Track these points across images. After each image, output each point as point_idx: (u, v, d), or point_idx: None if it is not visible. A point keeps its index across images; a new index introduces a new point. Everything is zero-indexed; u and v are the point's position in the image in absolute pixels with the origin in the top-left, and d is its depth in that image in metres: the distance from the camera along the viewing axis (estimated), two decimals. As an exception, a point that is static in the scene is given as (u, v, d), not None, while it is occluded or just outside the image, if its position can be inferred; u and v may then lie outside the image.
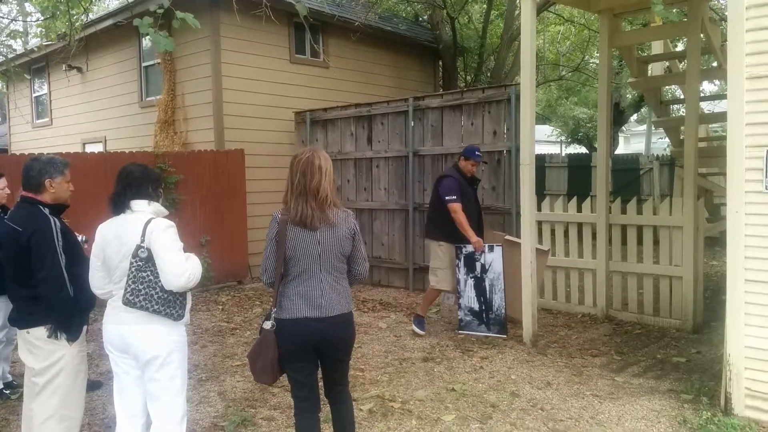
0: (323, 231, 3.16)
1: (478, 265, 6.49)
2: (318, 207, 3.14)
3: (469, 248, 6.50)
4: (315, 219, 3.13)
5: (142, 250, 3.14)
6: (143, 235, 3.15)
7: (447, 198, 6.50)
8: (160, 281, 3.15)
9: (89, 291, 3.40)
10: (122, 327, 3.23)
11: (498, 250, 6.43)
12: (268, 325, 3.21)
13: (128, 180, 3.30)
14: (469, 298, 6.57)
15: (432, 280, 6.87)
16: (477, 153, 6.76)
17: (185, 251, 3.26)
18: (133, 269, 3.15)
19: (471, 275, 6.56)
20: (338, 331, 3.22)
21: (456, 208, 6.44)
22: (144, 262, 3.15)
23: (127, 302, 3.16)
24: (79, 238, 3.80)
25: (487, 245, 6.45)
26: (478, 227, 6.72)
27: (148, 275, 3.15)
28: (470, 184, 6.80)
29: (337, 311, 3.19)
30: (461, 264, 6.62)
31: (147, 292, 3.14)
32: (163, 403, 3.27)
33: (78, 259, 3.52)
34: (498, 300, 6.40)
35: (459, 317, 6.60)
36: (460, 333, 6.48)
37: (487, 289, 6.47)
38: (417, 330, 6.73)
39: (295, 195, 3.18)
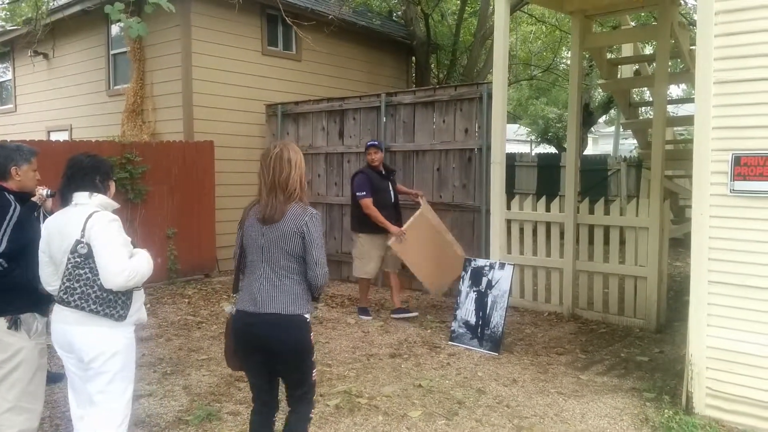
0: (270, 226, 3.06)
1: (484, 280, 6.28)
2: (285, 200, 3.05)
3: (480, 262, 6.40)
4: (277, 212, 3.04)
5: (82, 245, 2.98)
6: (83, 229, 2.99)
7: (358, 194, 7.06)
8: (99, 279, 2.98)
9: None
10: (66, 326, 3.08)
11: (509, 268, 6.19)
12: (228, 308, 3.19)
13: (73, 170, 3.14)
14: (468, 311, 6.31)
15: (354, 269, 7.56)
16: (368, 143, 7.37)
17: (153, 243, 3.20)
18: (69, 266, 2.99)
19: (475, 289, 6.33)
20: (271, 331, 3.05)
21: (367, 204, 6.97)
22: (83, 259, 2.99)
23: (60, 301, 3.01)
24: (45, 191, 3.74)
25: (498, 262, 6.29)
26: (395, 218, 7.14)
27: (85, 272, 2.99)
28: (384, 177, 7.26)
29: (270, 309, 3.03)
30: (467, 276, 6.43)
31: (83, 290, 2.98)
32: (100, 406, 3.11)
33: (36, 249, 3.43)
34: (497, 317, 6.07)
35: (452, 328, 6.39)
36: (450, 344, 6.27)
37: (489, 304, 6.16)
38: (364, 317, 7.26)
39: (266, 190, 3.09)
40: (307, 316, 3.11)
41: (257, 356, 3.13)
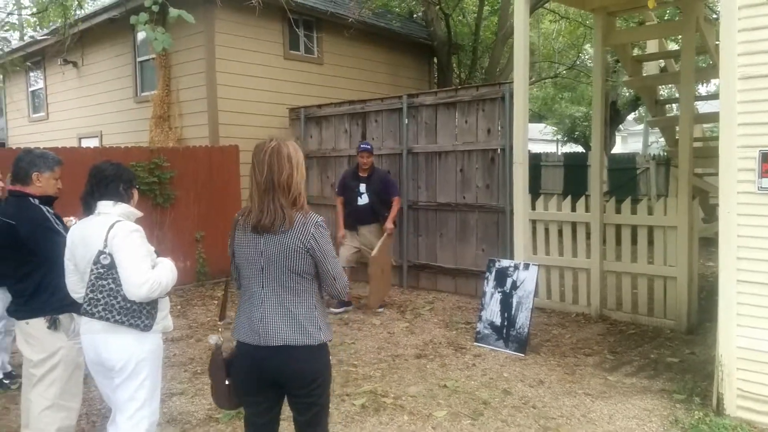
0: (268, 239, 2.60)
1: (509, 281, 6.26)
2: (289, 206, 2.61)
3: (504, 263, 6.39)
4: (278, 220, 2.57)
5: (104, 256, 2.95)
6: (105, 240, 2.96)
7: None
8: (122, 290, 2.95)
9: None
10: (93, 336, 3.06)
11: (533, 269, 6.16)
12: (213, 339, 2.87)
13: (97, 179, 3.11)
14: (493, 312, 6.28)
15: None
16: (360, 145, 7.78)
17: (182, 246, 3.21)
18: (92, 277, 2.97)
19: (499, 290, 6.31)
20: (283, 365, 2.62)
21: (337, 200, 7.92)
22: (106, 269, 2.96)
23: (84, 312, 3.00)
24: (72, 220, 3.72)
25: (522, 263, 6.26)
26: (356, 220, 7.71)
27: (108, 283, 2.96)
28: (359, 179, 7.69)
29: (279, 341, 2.59)
30: (491, 277, 6.41)
31: (107, 301, 2.96)
32: (128, 413, 3.10)
33: None
34: (523, 318, 6.02)
35: (477, 329, 6.38)
36: (475, 345, 6.24)
37: (514, 305, 6.14)
38: (335, 310, 7.49)
39: (260, 192, 2.61)
40: (324, 340, 2.69)
41: (265, 392, 2.74)
